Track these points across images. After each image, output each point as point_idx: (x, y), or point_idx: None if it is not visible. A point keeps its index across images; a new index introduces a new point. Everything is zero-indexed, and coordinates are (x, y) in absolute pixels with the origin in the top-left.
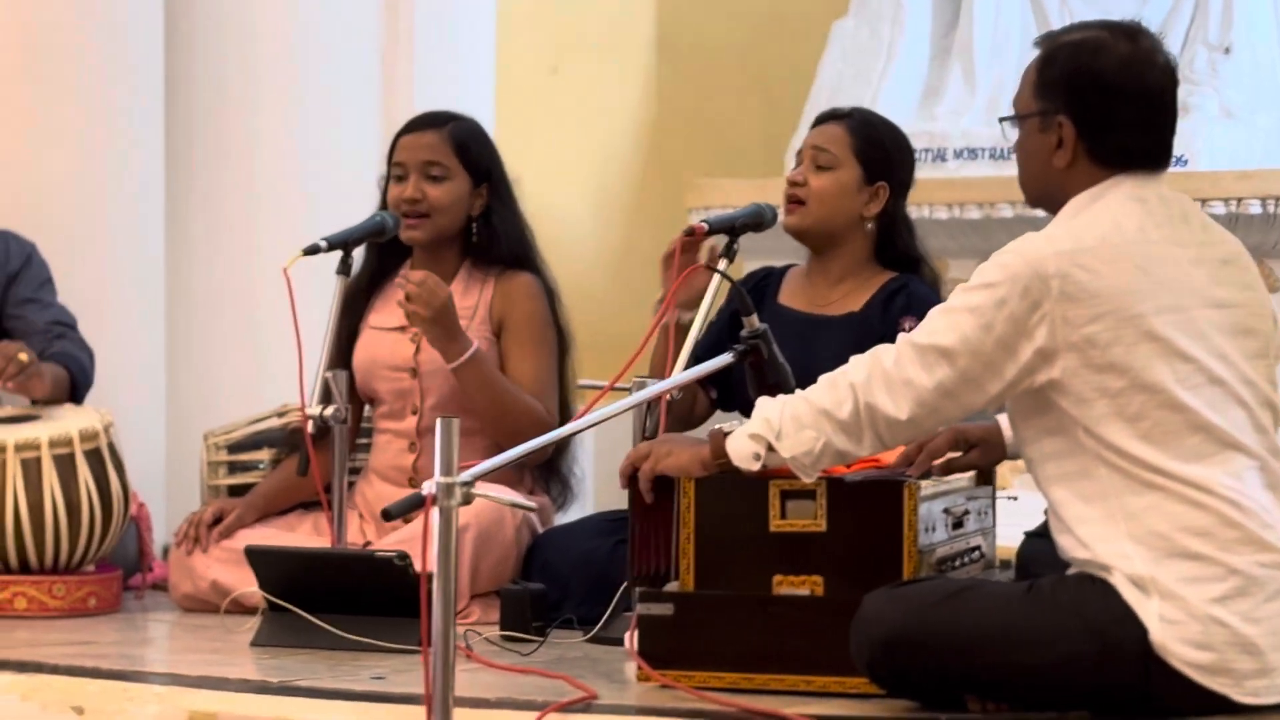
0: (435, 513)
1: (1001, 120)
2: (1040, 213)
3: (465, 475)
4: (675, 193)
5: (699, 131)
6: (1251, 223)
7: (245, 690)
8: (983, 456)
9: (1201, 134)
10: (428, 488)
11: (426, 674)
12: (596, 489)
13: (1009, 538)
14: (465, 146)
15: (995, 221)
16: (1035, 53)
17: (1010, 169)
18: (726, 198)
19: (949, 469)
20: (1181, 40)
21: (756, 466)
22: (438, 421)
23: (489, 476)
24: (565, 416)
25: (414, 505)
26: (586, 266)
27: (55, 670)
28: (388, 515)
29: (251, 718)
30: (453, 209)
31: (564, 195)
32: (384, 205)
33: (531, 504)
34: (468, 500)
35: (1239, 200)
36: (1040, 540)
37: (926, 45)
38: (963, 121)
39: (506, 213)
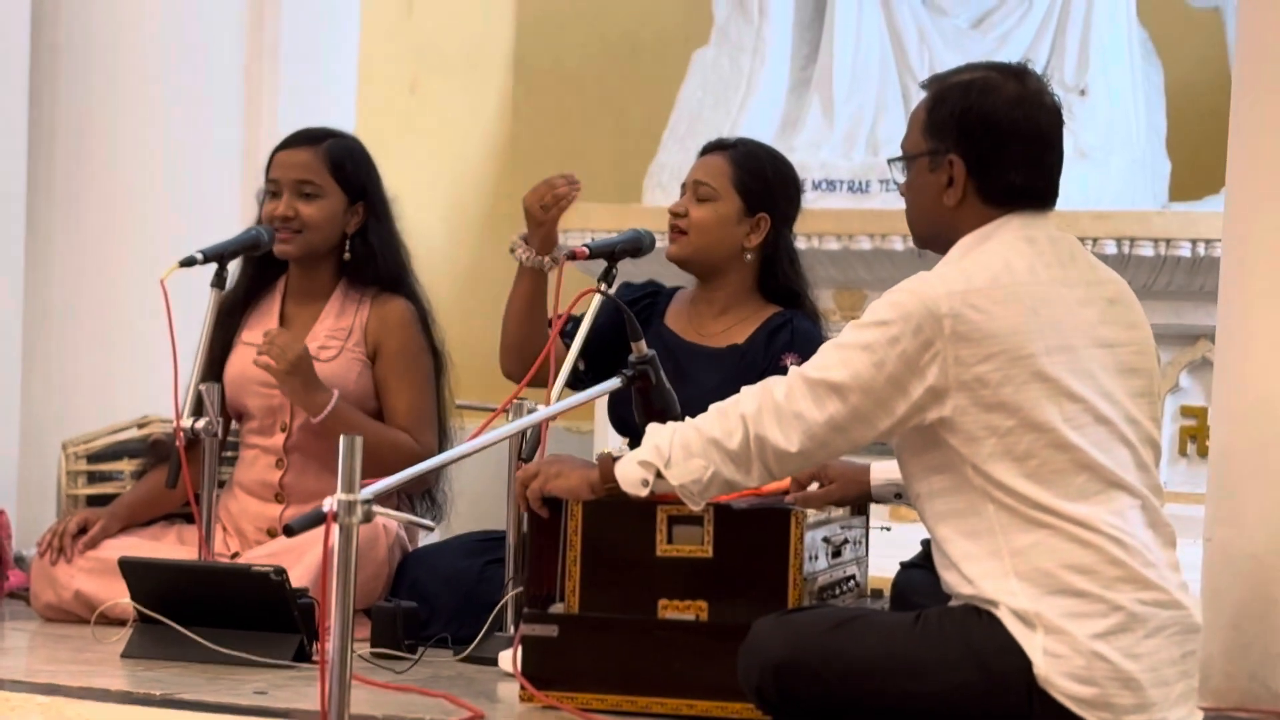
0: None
1: (890, 161)
2: (895, 246)
3: (365, 493)
4: None
5: (554, 154)
6: (1107, 263)
7: (129, 702)
8: (839, 491)
9: None
10: (329, 504)
11: (322, 690)
12: (465, 508)
13: (880, 568)
14: (340, 164)
15: (853, 254)
16: (922, 95)
17: (867, 201)
18: (585, 222)
19: (806, 503)
20: None
21: (645, 492)
22: (341, 439)
23: None
24: (442, 435)
25: (315, 521)
26: (438, 284)
27: None
28: (290, 531)
29: None
30: (325, 226)
31: (419, 212)
32: (261, 220)
33: (430, 523)
34: (368, 518)
35: (1095, 240)
36: (916, 571)
37: (786, 77)
38: (821, 153)
39: (383, 232)
